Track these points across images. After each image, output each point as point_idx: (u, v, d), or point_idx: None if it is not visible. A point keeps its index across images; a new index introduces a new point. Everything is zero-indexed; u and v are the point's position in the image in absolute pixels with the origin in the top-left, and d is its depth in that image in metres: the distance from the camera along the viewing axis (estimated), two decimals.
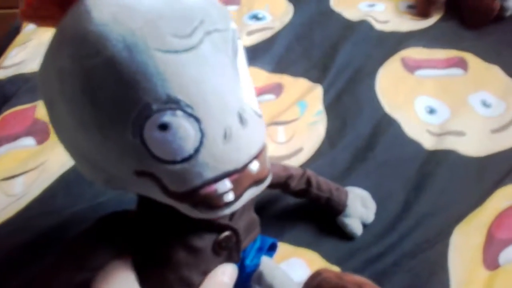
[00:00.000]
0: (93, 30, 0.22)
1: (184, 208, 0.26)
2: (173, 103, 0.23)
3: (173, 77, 0.23)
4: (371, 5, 0.81)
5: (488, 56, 0.67)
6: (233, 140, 0.25)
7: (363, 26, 0.74)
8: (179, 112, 0.23)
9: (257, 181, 0.27)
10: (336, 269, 0.41)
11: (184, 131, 0.23)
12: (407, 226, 0.44)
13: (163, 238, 0.29)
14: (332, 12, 0.79)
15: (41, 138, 0.56)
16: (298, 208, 0.46)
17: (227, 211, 0.26)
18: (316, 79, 0.65)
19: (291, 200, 0.47)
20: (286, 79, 0.66)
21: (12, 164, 0.52)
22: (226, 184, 0.25)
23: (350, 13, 0.78)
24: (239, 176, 0.25)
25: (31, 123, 0.59)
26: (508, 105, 0.59)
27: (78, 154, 0.27)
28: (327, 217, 0.44)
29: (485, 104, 0.60)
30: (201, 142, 0.24)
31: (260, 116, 0.27)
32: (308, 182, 0.43)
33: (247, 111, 0.26)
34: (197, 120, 0.23)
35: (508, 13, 0.74)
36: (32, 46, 0.73)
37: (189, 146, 0.24)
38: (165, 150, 0.24)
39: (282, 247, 0.42)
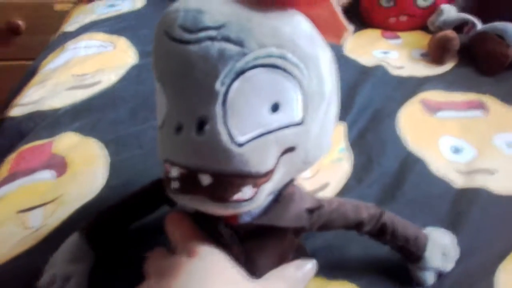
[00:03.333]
0: None
1: None
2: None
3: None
4: (385, 52, 0.83)
5: (507, 99, 0.68)
6: (182, 138, 0.25)
7: (379, 70, 0.75)
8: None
9: (213, 198, 0.26)
10: None
11: (160, 102, 0.28)
12: None
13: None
14: (346, 58, 0.81)
15: (59, 171, 0.54)
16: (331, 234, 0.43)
17: (175, 198, 0.27)
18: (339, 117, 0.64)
19: None
20: None
21: (29, 196, 0.50)
22: (175, 171, 0.26)
23: (365, 60, 0.79)
24: (187, 175, 0.26)
25: (48, 157, 0.57)
26: None
27: None
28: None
29: (510, 146, 0.59)
30: (163, 121, 0.27)
31: (238, 145, 0.25)
32: (382, 229, 0.38)
33: (212, 126, 0.25)
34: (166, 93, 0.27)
35: None
36: (51, 85, 0.72)
37: (160, 117, 0.28)
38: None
39: (315, 282, 0.40)
